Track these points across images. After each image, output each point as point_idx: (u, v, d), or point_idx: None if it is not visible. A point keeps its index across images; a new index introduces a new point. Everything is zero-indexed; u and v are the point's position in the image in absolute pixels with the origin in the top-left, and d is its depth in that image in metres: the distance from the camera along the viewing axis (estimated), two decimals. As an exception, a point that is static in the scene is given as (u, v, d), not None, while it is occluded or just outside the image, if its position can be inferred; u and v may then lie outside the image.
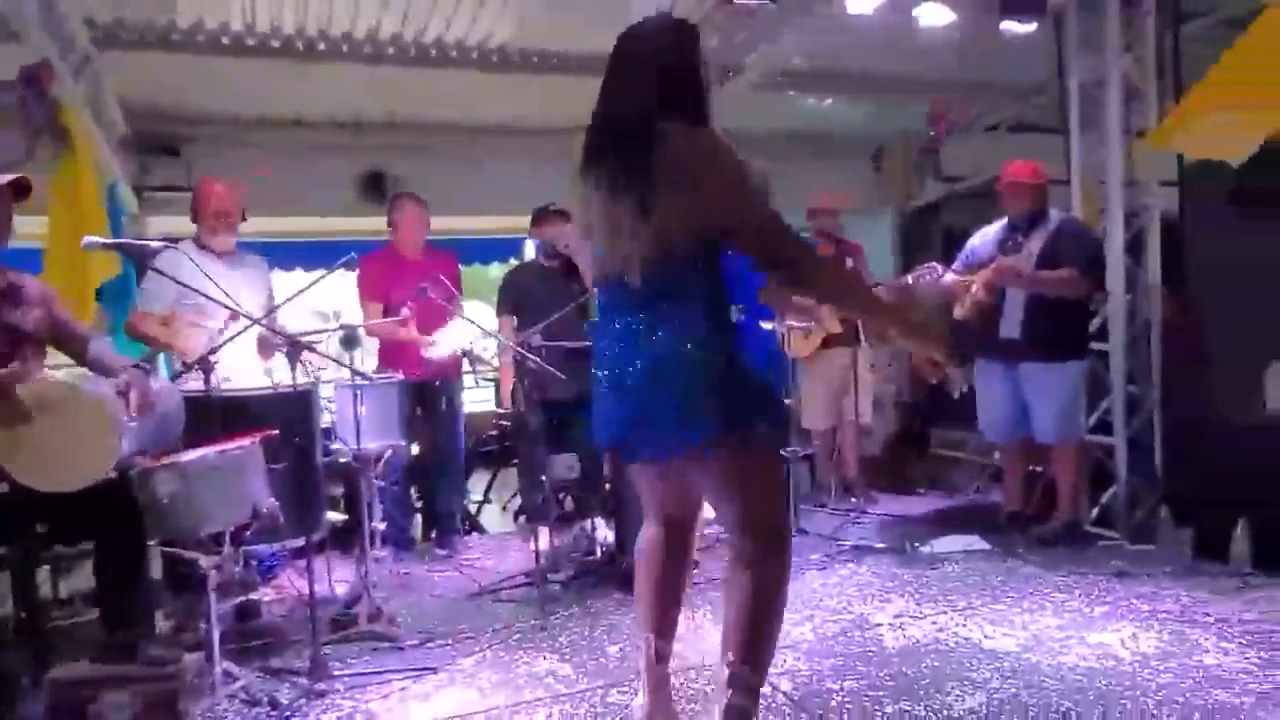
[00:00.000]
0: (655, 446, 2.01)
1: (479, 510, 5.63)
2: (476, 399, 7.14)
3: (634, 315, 1.99)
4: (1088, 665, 2.72)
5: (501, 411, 6.80)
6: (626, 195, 1.91)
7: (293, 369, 2.69)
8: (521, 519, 5.06)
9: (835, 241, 5.08)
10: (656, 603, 2.24)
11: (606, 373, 2.05)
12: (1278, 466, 3.71)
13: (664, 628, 2.24)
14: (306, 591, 2.74)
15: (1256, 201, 3.87)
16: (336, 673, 2.76)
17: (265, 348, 3.01)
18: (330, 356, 3.16)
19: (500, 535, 5.00)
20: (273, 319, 3.14)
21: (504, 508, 5.97)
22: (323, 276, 2.98)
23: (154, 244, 2.73)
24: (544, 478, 4.19)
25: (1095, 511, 4.37)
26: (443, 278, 3.70)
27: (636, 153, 1.91)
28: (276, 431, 2.67)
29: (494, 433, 6.37)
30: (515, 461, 5.15)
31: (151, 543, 2.45)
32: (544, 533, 3.97)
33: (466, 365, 4.66)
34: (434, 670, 2.84)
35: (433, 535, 4.48)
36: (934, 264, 4.40)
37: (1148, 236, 4.47)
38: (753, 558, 2.03)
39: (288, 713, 2.54)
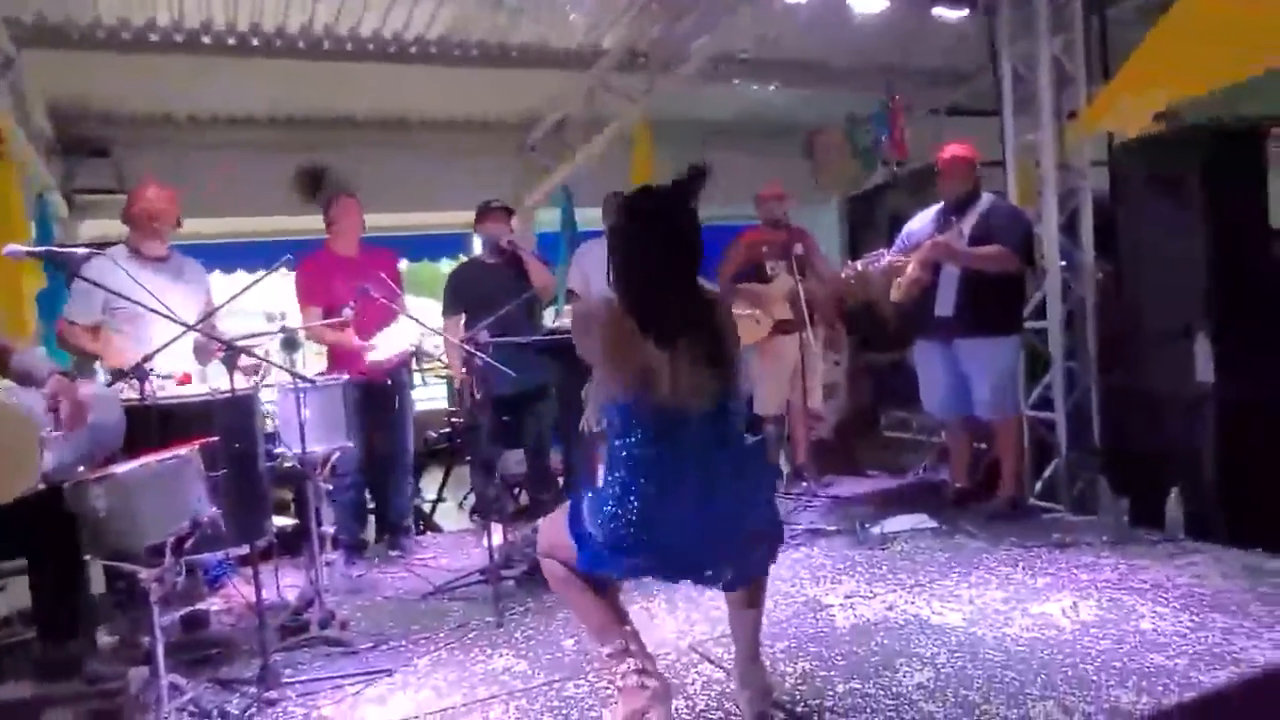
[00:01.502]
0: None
1: (433, 509, 5.60)
2: (428, 396, 7.09)
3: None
4: (1030, 636, 2.80)
5: (453, 409, 6.77)
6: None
7: (230, 374, 2.64)
8: (476, 516, 5.04)
9: (784, 228, 5.11)
10: (610, 599, 2.30)
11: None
12: (1206, 435, 3.86)
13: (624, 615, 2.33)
14: (254, 599, 2.70)
15: (1169, 188, 4.01)
16: (288, 680, 2.72)
17: (202, 353, 2.95)
18: (270, 360, 3.11)
19: (454, 534, 4.97)
20: (209, 324, 3.06)
21: (460, 505, 5.94)
22: (259, 279, 2.90)
23: (80, 251, 2.66)
24: (496, 474, 4.20)
25: (1039, 485, 4.49)
26: (383, 276, 3.64)
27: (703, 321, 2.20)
28: (215, 438, 2.61)
29: (446, 430, 6.34)
30: (468, 459, 5.13)
31: (88, 558, 2.39)
32: (497, 529, 3.97)
33: (416, 364, 4.61)
34: (388, 673, 2.82)
35: (385, 537, 4.43)
36: (881, 250, 4.49)
37: (1081, 216, 4.59)
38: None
39: (238, 723, 2.50)
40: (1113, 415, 4.36)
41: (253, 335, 3.20)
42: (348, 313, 3.56)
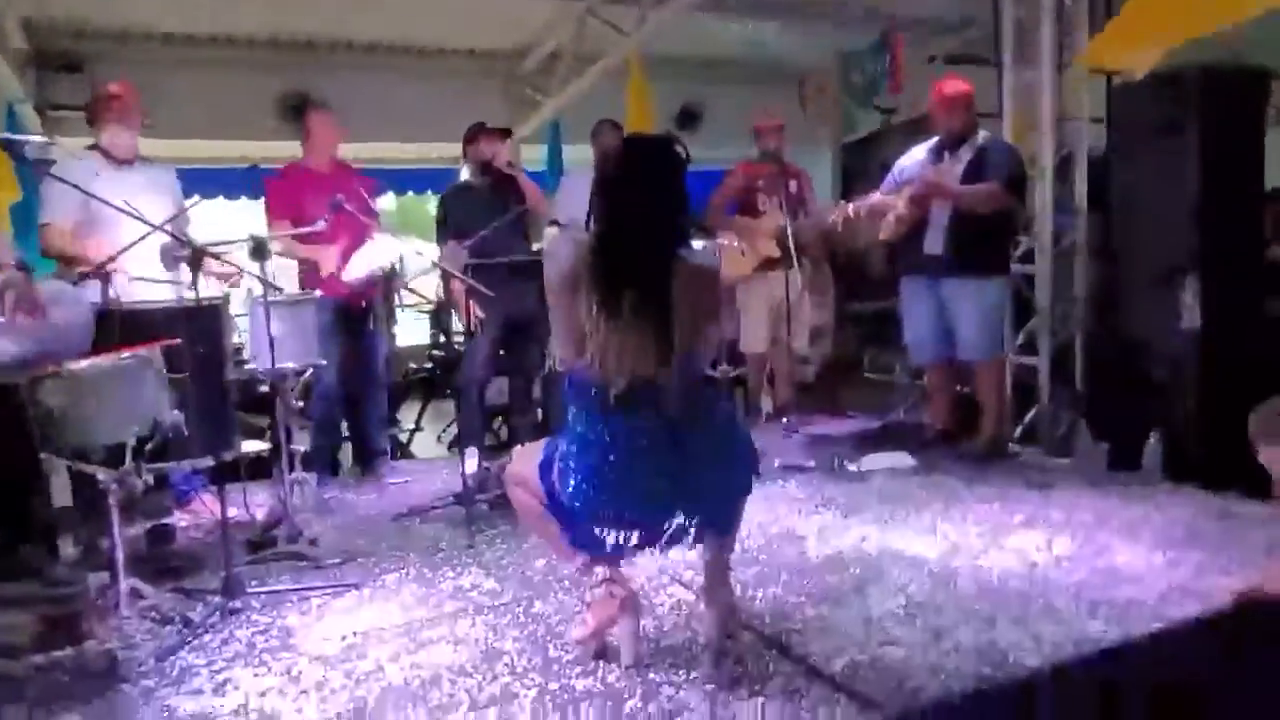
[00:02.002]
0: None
1: (410, 439, 5.56)
2: (409, 330, 7.00)
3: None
4: (1004, 568, 2.78)
5: (434, 344, 6.70)
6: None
7: (195, 279, 2.55)
8: (455, 448, 5.00)
9: (780, 164, 5.01)
10: None
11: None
12: (1188, 382, 3.83)
13: None
14: (221, 513, 2.65)
15: (1165, 134, 3.93)
16: (252, 590, 2.70)
17: (168, 257, 2.85)
18: (240, 266, 3.02)
19: (430, 461, 4.92)
20: (178, 227, 2.97)
21: (438, 438, 5.90)
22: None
23: (38, 139, 2.55)
24: (482, 400, 4.15)
25: (1019, 429, 4.48)
26: (362, 191, 3.53)
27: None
28: (178, 340, 2.53)
29: (428, 364, 6.28)
30: (449, 391, 5.07)
31: (44, 455, 2.32)
32: (474, 454, 3.93)
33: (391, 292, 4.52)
34: (355, 587, 2.79)
35: (360, 462, 4.39)
36: (868, 194, 4.42)
37: (1076, 163, 4.51)
38: None
39: (200, 630, 2.46)
40: (1096, 360, 4.33)
41: (220, 243, 3.10)
42: (320, 225, 3.46)
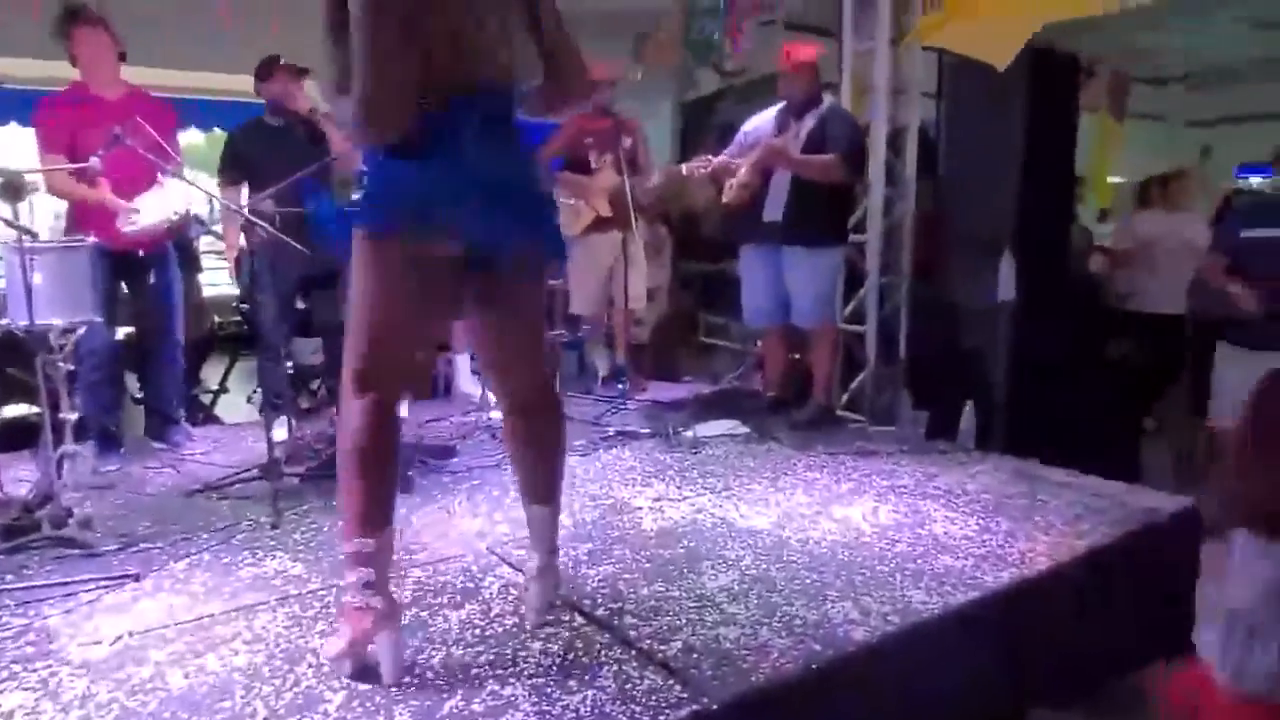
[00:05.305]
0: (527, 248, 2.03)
1: (214, 401, 5.07)
2: (216, 281, 6.38)
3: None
4: (832, 539, 2.81)
5: (242, 296, 6.14)
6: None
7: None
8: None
9: (612, 118, 4.84)
10: (389, 491, 1.99)
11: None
12: (1000, 353, 4.04)
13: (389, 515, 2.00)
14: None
15: (995, 109, 4.07)
16: (5, 586, 2.31)
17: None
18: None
19: (234, 427, 4.49)
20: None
21: (248, 400, 5.42)
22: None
23: None
24: (286, 362, 3.79)
25: (845, 396, 4.59)
26: (145, 125, 3.05)
27: None
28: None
29: (236, 318, 5.74)
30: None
31: None
32: (282, 422, 3.59)
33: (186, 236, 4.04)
34: (135, 578, 2.45)
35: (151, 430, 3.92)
36: (707, 157, 4.35)
37: (908, 135, 4.61)
38: (552, 395, 2.27)
39: (-69, 637, 2.08)
40: (918, 330, 4.49)
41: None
42: (95, 162, 2.98)
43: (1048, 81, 4.00)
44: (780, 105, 4.24)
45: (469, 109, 1.90)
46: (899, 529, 2.89)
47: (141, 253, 3.51)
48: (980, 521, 2.95)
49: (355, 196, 2.33)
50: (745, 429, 4.05)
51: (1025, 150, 3.94)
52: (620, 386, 4.79)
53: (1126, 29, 6.07)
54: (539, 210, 2.11)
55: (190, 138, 7.42)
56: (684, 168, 4.39)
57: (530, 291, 2.15)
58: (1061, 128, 4.07)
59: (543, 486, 2.23)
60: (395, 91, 1.83)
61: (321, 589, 2.41)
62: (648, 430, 4.05)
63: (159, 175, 3.23)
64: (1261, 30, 6.60)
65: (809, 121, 4.06)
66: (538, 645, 2.11)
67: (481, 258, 1.96)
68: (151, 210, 3.24)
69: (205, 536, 2.76)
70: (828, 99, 4.19)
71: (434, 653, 2.07)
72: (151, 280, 3.59)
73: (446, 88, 1.88)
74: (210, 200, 3.64)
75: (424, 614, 2.27)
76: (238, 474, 3.27)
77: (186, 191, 3.22)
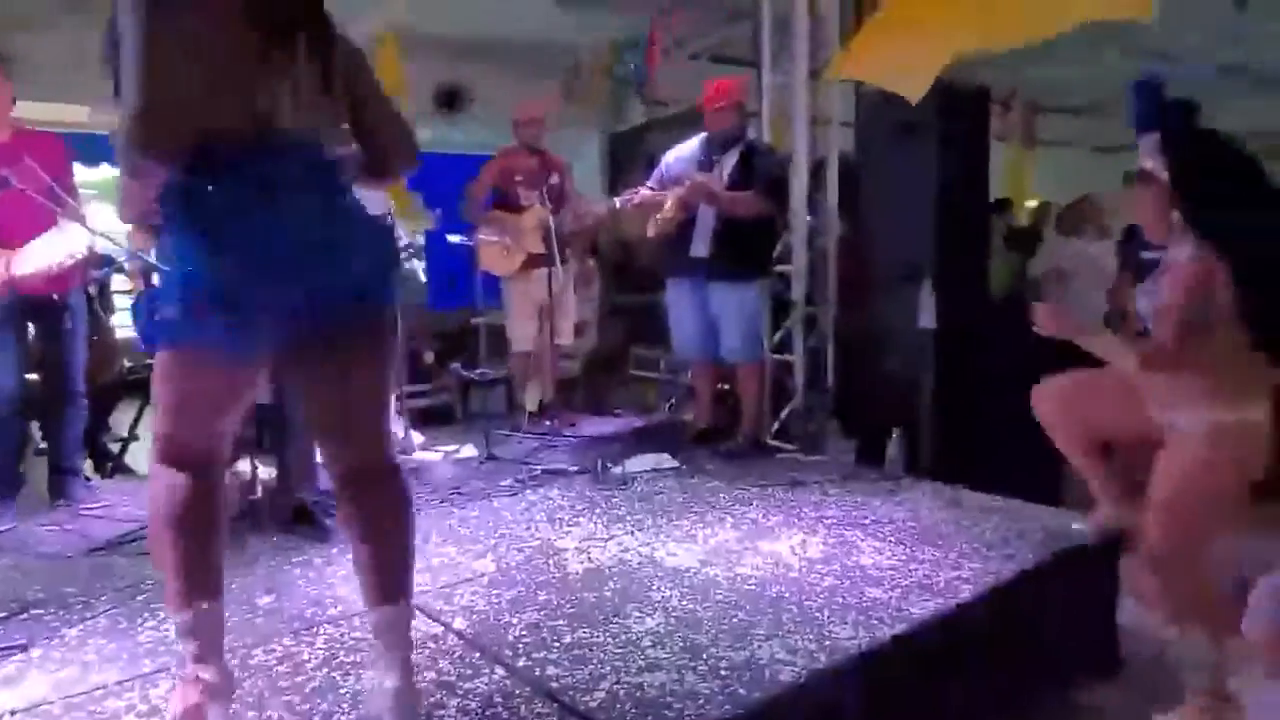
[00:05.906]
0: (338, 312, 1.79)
1: (123, 449, 4.84)
2: (126, 323, 6.12)
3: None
4: (760, 574, 2.78)
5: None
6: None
7: None
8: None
9: (540, 155, 4.84)
10: (210, 562, 1.84)
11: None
12: (925, 380, 4.09)
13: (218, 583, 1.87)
14: None
15: (909, 140, 4.14)
16: (-128, 666, 2.14)
17: None
18: None
19: (144, 480, 4.28)
20: None
21: (161, 447, 5.18)
22: None
23: None
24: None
25: (775, 426, 4.60)
26: (36, 167, 2.90)
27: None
28: None
29: (149, 361, 5.50)
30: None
31: None
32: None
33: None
34: (23, 648, 2.29)
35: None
36: (637, 188, 4.37)
37: (828, 166, 4.68)
38: (393, 469, 1.96)
39: None
40: (845, 359, 4.53)
41: None
42: (-19, 208, 2.83)
43: (959, 113, 4.09)
44: (702, 136, 4.26)
45: (267, 161, 1.70)
46: (827, 562, 2.88)
47: (46, 297, 3.33)
48: (907, 551, 2.95)
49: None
50: (674, 463, 4.02)
51: (939, 181, 4.02)
52: (548, 424, 4.73)
53: (1027, 62, 6.29)
54: (365, 263, 1.84)
55: (104, 172, 7.18)
56: (616, 201, 4.40)
57: (364, 352, 1.86)
58: (973, 157, 4.17)
59: (389, 579, 1.89)
60: (173, 108, 1.60)
61: (226, 650, 2.28)
62: (576, 467, 3.99)
63: (54, 221, 3.08)
64: (1146, 60, 6.88)
65: (732, 157, 4.10)
66: (455, 703, 2.03)
67: (300, 331, 1.76)
68: (42, 254, 3.08)
69: (104, 599, 2.61)
70: (751, 134, 4.23)
71: (342, 718, 1.96)
72: (58, 328, 3.41)
73: (237, 136, 1.68)
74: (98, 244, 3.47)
75: (335, 675, 2.17)
76: (140, 529, 3.10)
77: (81, 236, 3.07)
